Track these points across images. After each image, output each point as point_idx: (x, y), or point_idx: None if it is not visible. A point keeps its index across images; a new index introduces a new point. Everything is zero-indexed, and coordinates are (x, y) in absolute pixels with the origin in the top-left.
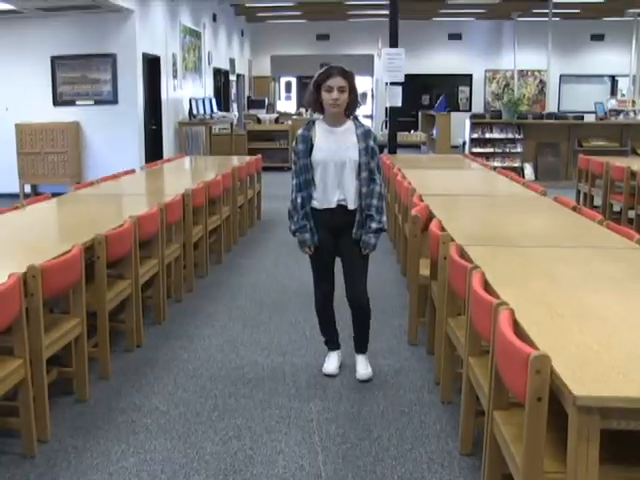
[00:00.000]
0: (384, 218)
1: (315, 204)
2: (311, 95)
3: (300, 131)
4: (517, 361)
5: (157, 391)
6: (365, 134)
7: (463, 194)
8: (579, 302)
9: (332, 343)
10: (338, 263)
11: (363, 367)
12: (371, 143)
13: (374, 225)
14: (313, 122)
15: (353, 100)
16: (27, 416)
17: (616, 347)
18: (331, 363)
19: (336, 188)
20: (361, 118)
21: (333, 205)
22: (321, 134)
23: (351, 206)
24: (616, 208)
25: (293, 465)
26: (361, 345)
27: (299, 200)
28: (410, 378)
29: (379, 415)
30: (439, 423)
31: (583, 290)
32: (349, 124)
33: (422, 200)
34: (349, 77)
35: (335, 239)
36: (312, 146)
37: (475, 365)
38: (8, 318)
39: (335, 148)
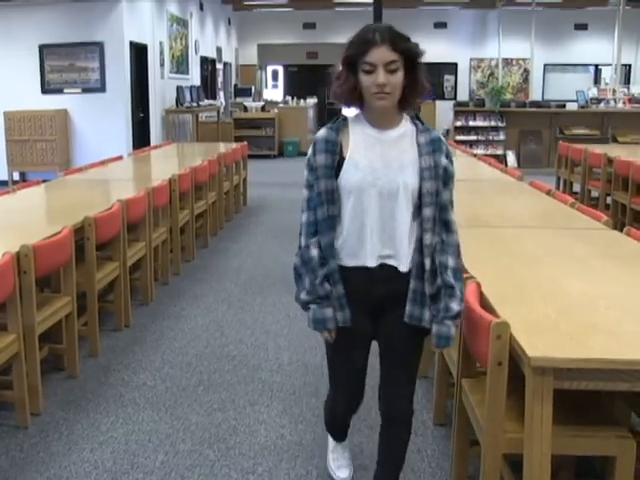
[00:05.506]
0: (463, 289)
1: (342, 258)
2: (342, 79)
3: (322, 133)
4: (481, 329)
5: (145, 367)
6: (433, 143)
7: None
8: (543, 277)
9: (341, 436)
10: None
11: None
12: (443, 161)
13: (455, 306)
14: (345, 119)
15: (414, 84)
16: (20, 389)
17: (572, 317)
18: (342, 465)
19: (380, 234)
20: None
21: (373, 263)
22: (359, 141)
23: (404, 267)
24: (594, 194)
25: (274, 434)
26: None
27: (314, 252)
28: None
29: None
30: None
31: (548, 266)
32: (406, 126)
33: None
34: (403, 45)
35: (372, 317)
36: (342, 160)
37: None
38: (2, 294)
39: (382, 166)
